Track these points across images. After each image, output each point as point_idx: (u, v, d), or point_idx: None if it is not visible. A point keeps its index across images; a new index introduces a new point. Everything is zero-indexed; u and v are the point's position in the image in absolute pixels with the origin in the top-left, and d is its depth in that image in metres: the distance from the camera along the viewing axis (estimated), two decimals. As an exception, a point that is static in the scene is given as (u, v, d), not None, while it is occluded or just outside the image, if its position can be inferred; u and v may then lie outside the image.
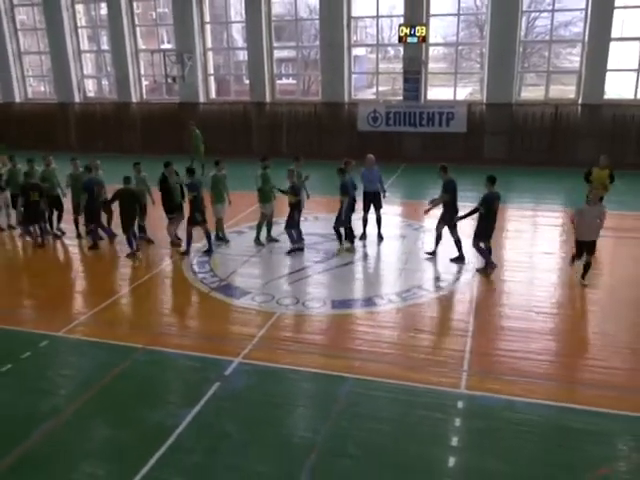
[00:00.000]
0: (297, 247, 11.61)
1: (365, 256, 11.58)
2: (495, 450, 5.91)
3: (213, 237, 11.93)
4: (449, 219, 10.79)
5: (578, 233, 9.74)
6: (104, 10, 23.71)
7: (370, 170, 11.96)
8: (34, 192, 11.98)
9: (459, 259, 10.90)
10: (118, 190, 11.56)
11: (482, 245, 10.39)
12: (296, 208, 11.51)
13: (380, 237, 12.25)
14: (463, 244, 10.87)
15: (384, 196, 12.24)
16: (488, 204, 10.32)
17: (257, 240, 12.07)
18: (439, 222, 10.97)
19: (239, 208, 12.84)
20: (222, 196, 11.85)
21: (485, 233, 10.32)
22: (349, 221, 11.50)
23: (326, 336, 8.40)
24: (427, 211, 11.14)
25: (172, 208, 11.89)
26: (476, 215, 10.42)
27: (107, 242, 12.38)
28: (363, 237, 12.20)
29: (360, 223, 12.18)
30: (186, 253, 11.59)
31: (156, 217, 12.50)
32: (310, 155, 20.33)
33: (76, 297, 10.25)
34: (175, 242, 12.10)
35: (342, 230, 11.56)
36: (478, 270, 10.51)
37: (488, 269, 10.35)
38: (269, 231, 12.22)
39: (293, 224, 11.57)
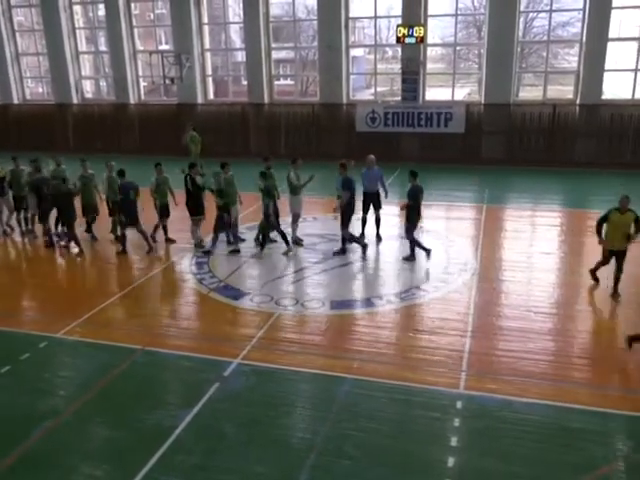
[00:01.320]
0: (233, 249, 11.77)
1: (364, 257, 11.58)
2: (494, 450, 5.92)
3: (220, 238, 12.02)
4: (349, 217, 11.23)
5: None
6: (102, 11, 23.69)
7: (370, 170, 11.96)
8: (44, 187, 12.04)
9: (410, 258, 11.13)
10: (54, 191, 11.73)
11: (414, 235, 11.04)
12: (224, 210, 11.56)
13: (379, 237, 12.26)
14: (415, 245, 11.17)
15: (386, 197, 12.23)
16: (414, 197, 10.87)
17: (257, 240, 12.07)
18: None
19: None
20: (234, 198, 11.83)
21: (415, 224, 11.00)
22: (347, 225, 11.46)
23: (325, 337, 8.41)
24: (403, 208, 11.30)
25: (198, 210, 11.80)
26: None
27: (103, 243, 12.39)
28: (361, 237, 12.20)
29: (357, 224, 12.18)
30: (210, 252, 11.67)
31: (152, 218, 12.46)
32: (308, 156, 20.37)
33: (75, 298, 10.24)
34: (200, 244, 11.95)
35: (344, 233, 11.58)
36: (405, 259, 11.08)
37: (428, 256, 10.91)
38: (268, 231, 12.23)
39: (222, 226, 11.63)
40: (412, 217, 10.92)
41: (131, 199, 11.54)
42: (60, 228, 12.62)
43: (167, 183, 12.16)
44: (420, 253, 11.05)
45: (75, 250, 12.04)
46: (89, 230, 12.66)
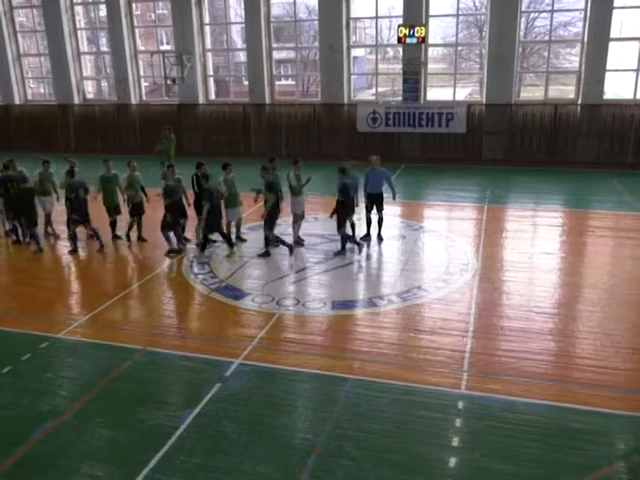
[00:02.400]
0: (177, 249, 11.76)
1: (365, 257, 11.57)
2: (495, 450, 5.91)
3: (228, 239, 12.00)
4: (344, 217, 11.34)
5: None
6: (103, 12, 23.73)
7: (374, 171, 11.95)
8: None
9: (341, 252, 11.36)
10: (18, 190, 11.85)
11: (345, 230, 11.33)
12: (169, 210, 11.57)
13: (380, 238, 12.25)
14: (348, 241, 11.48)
15: (394, 198, 12.13)
16: (345, 193, 11.09)
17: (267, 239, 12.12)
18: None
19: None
20: (235, 200, 11.80)
21: (346, 219, 11.24)
22: (343, 225, 11.48)
23: (326, 337, 8.40)
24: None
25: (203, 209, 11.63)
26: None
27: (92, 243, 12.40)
28: (367, 237, 12.20)
29: (349, 224, 12.20)
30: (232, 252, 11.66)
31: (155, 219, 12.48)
32: (309, 156, 20.44)
33: (76, 299, 10.25)
34: (204, 245, 11.85)
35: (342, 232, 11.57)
36: (335, 254, 11.30)
37: (359, 249, 11.37)
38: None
39: (167, 226, 11.61)
40: (342, 212, 11.17)
41: (82, 197, 11.70)
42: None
43: (181, 183, 12.05)
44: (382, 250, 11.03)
45: (33, 248, 12.20)
46: (115, 234, 12.64)
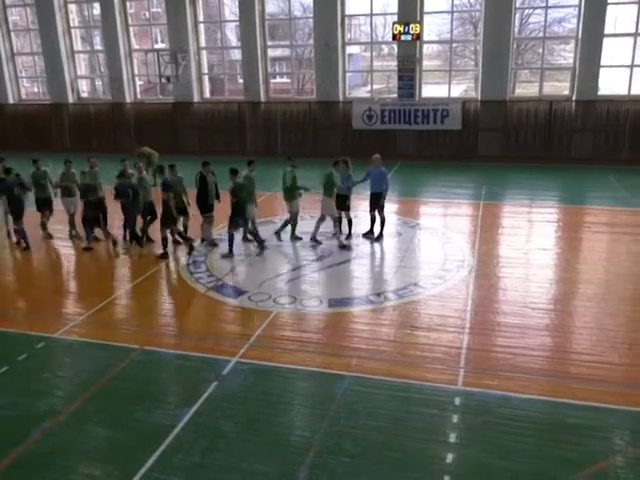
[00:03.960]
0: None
1: (361, 254, 11.59)
2: (493, 446, 5.93)
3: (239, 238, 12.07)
4: (234, 219, 11.46)
5: None
6: (97, 10, 23.66)
7: (376, 170, 11.97)
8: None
9: (228, 254, 11.46)
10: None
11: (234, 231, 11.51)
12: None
13: (381, 236, 12.23)
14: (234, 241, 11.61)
15: (384, 197, 12.05)
16: (235, 193, 11.19)
17: (277, 234, 12.20)
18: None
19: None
20: (253, 198, 11.79)
21: (241, 218, 11.41)
22: (233, 226, 11.61)
23: (323, 334, 8.40)
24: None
25: (208, 207, 11.72)
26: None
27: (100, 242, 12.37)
28: (370, 235, 12.22)
29: (346, 221, 12.27)
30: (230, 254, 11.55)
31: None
32: (305, 154, 20.43)
33: (72, 298, 10.23)
34: (213, 242, 11.93)
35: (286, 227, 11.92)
36: (224, 256, 11.39)
37: (229, 255, 11.42)
38: (293, 229, 12.29)
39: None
40: (234, 213, 11.29)
41: (15, 195, 11.84)
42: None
43: (181, 184, 11.92)
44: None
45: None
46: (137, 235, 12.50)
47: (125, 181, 11.90)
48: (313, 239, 11.97)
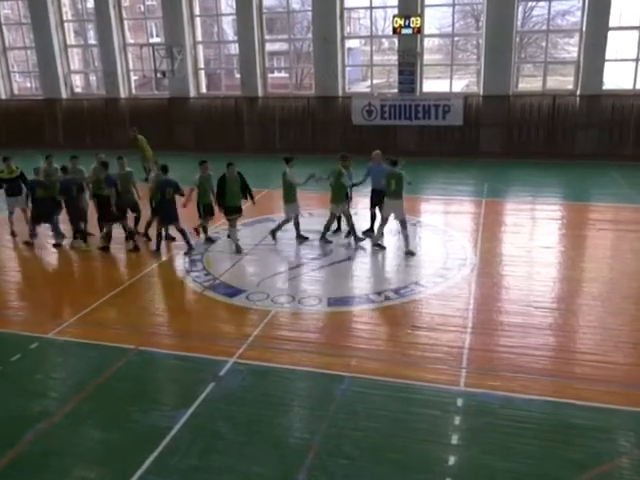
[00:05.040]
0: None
1: (361, 252, 11.59)
2: (495, 447, 5.94)
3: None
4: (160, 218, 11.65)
5: None
6: (91, 3, 23.59)
7: (376, 167, 11.96)
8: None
9: (156, 251, 11.66)
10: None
11: (163, 230, 11.76)
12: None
13: (381, 234, 12.21)
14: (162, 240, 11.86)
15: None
16: (160, 189, 11.28)
17: (272, 233, 12.13)
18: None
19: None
20: (294, 195, 11.72)
21: (166, 217, 11.45)
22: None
23: (322, 334, 8.41)
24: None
25: (228, 209, 11.50)
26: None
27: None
28: (369, 232, 12.23)
29: (345, 218, 12.22)
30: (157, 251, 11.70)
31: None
32: (304, 150, 20.40)
33: (66, 298, 10.23)
34: (239, 247, 11.61)
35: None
36: (186, 253, 11.54)
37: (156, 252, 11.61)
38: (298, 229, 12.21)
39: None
40: (160, 211, 11.50)
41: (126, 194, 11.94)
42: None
43: (210, 181, 11.87)
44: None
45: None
46: (145, 233, 12.44)
47: (70, 177, 12.02)
48: (323, 239, 11.96)
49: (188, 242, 11.60)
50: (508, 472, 5.63)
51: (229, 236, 11.93)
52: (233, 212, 11.56)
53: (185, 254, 11.56)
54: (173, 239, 12.23)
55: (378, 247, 11.63)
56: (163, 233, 11.91)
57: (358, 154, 13.27)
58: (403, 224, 11.37)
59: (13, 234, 12.92)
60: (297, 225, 12.10)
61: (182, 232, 11.64)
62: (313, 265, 10.93)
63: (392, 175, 11.20)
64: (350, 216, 11.88)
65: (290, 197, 11.77)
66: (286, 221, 12.07)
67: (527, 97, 19.98)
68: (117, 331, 8.64)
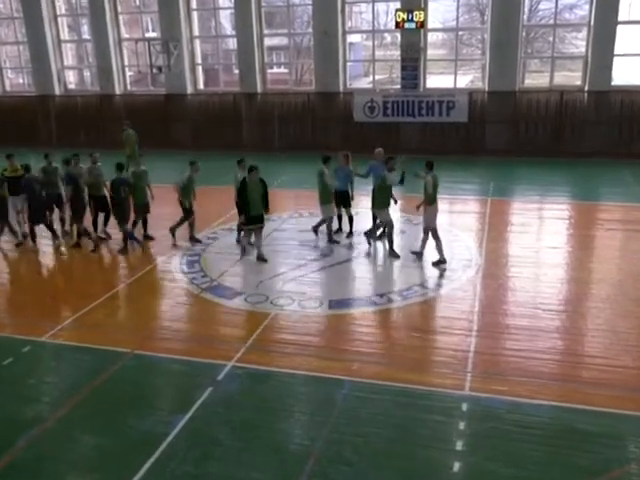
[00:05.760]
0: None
1: (363, 253, 11.59)
2: (501, 454, 5.94)
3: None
4: (119, 214, 11.81)
5: None
6: (85, -3, 23.64)
7: (379, 164, 11.96)
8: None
9: (123, 250, 11.84)
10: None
11: (126, 228, 11.80)
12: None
13: (383, 234, 12.21)
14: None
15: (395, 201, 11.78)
16: (116, 189, 11.50)
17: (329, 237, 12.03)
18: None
19: (231, 204, 12.77)
20: (330, 196, 11.68)
21: (122, 217, 11.69)
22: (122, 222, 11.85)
23: (323, 337, 8.42)
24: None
25: (248, 219, 10.95)
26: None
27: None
28: (373, 232, 12.22)
29: (347, 217, 12.30)
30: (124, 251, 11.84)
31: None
32: (304, 148, 20.42)
33: (60, 300, 10.24)
34: (262, 257, 11.07)
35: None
36: (120, 251, 11.77)
37: (126, 249, 11.78)
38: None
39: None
40: (116, 212, 11.73)
41: (124, 196, 11.87)
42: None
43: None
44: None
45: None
46: (146, 234, 12.47)
47: (32, 176, 12.08)
48: (330, 239, 11.97)
49: (126, 244, 11.82)
50: (514, 479, 5.63)
51: (238, 241, 11.79)
52: (255, 221, 10.99)
53: (119, 251, 11.82)
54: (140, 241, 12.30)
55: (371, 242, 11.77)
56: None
57: (360, 152, 13.27)
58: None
59: (24, 235, 12.84)
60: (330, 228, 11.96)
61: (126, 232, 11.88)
62: (314, 266, 10.93)
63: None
64: (341, 217, 12.05)
65: (327, 198, 11.66)
66: (324, 221, 11.98)
67: (534, 93, 19.98)
68: (112, 334, 8.64)
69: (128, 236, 11.85)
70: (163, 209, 12.87)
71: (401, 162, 11.42)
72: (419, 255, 11.02)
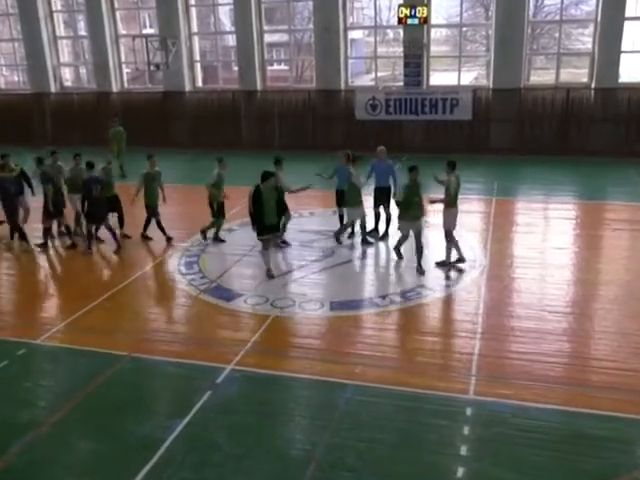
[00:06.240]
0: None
1: (366, 254, 11.58)
2: (506, 459, 5.92)
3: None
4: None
5: None
6: (81, -7, 23.64)
7: (381, 163, 11.94)
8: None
9: (87, 248, 11.87)
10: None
11: (93, 228, 11.95)
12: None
13: (386, 234, 12.20)
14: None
15: (394, 196, 11.52)
16: (87, 187, 11.60)
17: (364, 240, 11.90)
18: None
19: (230, 204, 12.78)
20: (358, 197, 11.43)
21: (95, 215, 11.71)
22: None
23: (324, 340, 8.41)
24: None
25: (261, 228, 10.32)
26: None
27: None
28: (374, 233, 12.21)
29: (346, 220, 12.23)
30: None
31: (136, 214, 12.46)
32: (304, 147, 20.42)
33: (55, 302, 10.24)
34: (270, 274, 10.40)
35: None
36: (83, 251, 11.84)
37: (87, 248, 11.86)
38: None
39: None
40: (89, 209, 11.69)
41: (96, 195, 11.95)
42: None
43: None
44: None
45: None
46: (144, 234, 12.50)
47: (5, 176, 12.17)
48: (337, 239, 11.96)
49: (117, 241, 11.85)
50: (520, 485, 5.62)
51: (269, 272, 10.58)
52: (270, 230, 10.45)
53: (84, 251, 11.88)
54: (101, 240, 12.37)
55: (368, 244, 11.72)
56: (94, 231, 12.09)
57: (362, 151, 13.22)
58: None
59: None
60: (363, 228, 11.77)
61: (111, 230, 11.88)
62: (315, 267, 10.91)
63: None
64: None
65: (356, 199, 11.42)
66: (350, 224, 11.86)
67: (539, 90, 19.96)
68: (109, 337, 8.63)
69: (86, 235, 11.96)
70: (166, 209, 12.80)
71: (404, 161, 11.39)
72: (447, 264, 10.59)
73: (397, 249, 11.03)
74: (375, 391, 7.09)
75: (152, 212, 12.24)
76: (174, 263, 11.33)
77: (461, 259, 10.61)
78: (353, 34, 22.98)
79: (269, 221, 10.31)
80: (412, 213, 10.44)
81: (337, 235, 11.94)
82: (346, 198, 11.57)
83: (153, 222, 12.25)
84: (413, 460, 5.97)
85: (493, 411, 6.64)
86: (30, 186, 12.73)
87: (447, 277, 10.31)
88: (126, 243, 12.28)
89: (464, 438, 6.28)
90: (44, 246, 12.19)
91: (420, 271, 10.41)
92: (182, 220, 12.28)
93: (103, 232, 12.20)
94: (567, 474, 5.72)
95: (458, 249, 10.58)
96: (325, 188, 12.95)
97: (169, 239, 12.22)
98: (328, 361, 7.78)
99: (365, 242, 11.84)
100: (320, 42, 21.14)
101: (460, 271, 10.47)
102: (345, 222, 11.93)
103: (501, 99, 19.91)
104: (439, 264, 10.69)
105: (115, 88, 23.82)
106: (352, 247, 11.81)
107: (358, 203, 11.48)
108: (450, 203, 10.41)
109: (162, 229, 12.25)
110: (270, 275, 10.38)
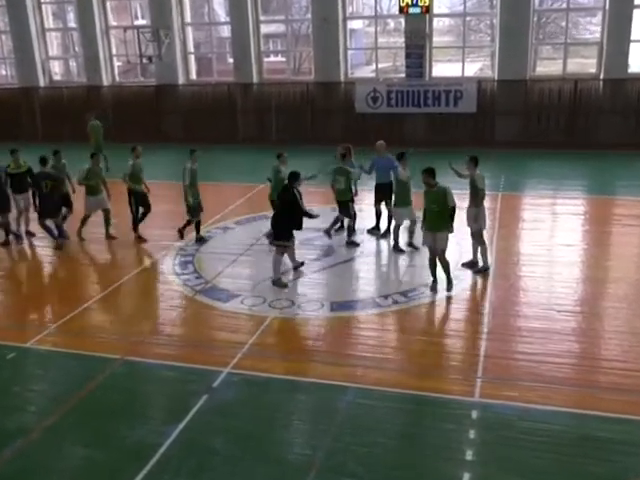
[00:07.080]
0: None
1: (367, 252, 11.59)
2: (513, 463, 5.95)
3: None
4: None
5: None
6: (70, -17, 23.63)
7: (381, 158, 11.95)
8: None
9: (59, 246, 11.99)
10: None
11: (47, 223, 11.98)
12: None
13: (388, 232, 12.20)
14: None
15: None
16: (37, 183, 11.82)
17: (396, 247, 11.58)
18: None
19: (226, 201, 12.84)
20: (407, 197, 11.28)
21: (45, 211, 11.88)
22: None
23: (324, 342, 8.43)
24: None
25: (276, 234, 10.16)
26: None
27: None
28: (376, 231, 12.22)
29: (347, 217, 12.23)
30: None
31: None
32: (303, 141, 20.40)
33: (46, 304, 10.25)
34: (280, 282, 10.09)
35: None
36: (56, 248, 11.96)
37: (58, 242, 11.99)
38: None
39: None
40: (42, 205, 11.82)
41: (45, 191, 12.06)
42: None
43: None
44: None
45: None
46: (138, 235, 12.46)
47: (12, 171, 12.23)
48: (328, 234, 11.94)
49: (63, 237, 12.02)
50: (527, 490, 5.64)
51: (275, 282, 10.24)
52: (279, 238, 10.22)
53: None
54: (33, 235, 12.51)
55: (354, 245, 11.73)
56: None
57: (362, 145, 13.26)
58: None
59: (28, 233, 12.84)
60: (412, 233, 11.41)
61: (59, 228, 12.02)
62: (314, 266, 10.92)
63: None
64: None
65: (405, 199, 11.24)
66: (398, 227, 11.47)
67: (546, 82, 19.97)
68: (101, 340, 8.65)
69: (46, 231, 12.04)
70: (158, 207, 12.82)
71: (410, 154, 11.40)
72: (475, 265, 10.44)
73: (396, 245, 11.11)
74: (377, 394, 7.11)
75: (197, 211, 11.96)
76: (169, 263, 11.34)
77: (486, 267, 10.34)
78: (353, 24, 22.97)
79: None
80: (409, 200, 11.14)
81: (349, 233, 11.88)
82: (395, 198, 11.33)
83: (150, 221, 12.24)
84: (417, 465, 5.99)
85: (499, 414, 6.66)
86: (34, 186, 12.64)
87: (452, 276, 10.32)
88: (118, 243, 12.28)
89: (469, 442, 6.30)
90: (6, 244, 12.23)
91: (413, 247, 11.20)
92: (178, 219, 12.26)
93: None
94: (574, 478, 5.75)
95: (485, 254, 10.34)
96: (320, 184, 12.84)
97: (201, 239, 12.12)
98: (328, 363, 7.80)
99: (412, 246, 11.42)
100: (318, 32, 21.14)
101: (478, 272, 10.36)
102: (392, 225, 11.56)
103: (506, 91, 19.92)
104: (466, 265, 10.56)
105: (106, 82, 23.82)
106: (355, 245, 11.79)
107: (408, 203, 11.24)
108: (481, 200, 10.40)
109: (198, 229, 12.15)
110: (281, 284, 10.04)
